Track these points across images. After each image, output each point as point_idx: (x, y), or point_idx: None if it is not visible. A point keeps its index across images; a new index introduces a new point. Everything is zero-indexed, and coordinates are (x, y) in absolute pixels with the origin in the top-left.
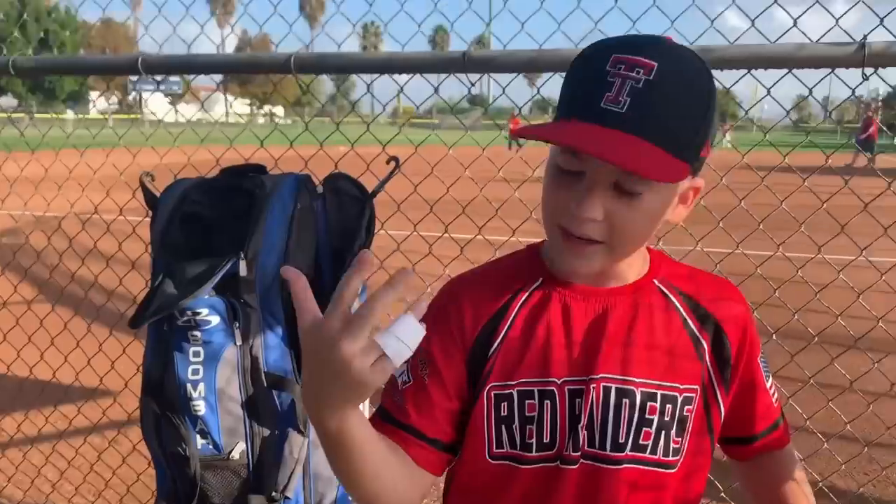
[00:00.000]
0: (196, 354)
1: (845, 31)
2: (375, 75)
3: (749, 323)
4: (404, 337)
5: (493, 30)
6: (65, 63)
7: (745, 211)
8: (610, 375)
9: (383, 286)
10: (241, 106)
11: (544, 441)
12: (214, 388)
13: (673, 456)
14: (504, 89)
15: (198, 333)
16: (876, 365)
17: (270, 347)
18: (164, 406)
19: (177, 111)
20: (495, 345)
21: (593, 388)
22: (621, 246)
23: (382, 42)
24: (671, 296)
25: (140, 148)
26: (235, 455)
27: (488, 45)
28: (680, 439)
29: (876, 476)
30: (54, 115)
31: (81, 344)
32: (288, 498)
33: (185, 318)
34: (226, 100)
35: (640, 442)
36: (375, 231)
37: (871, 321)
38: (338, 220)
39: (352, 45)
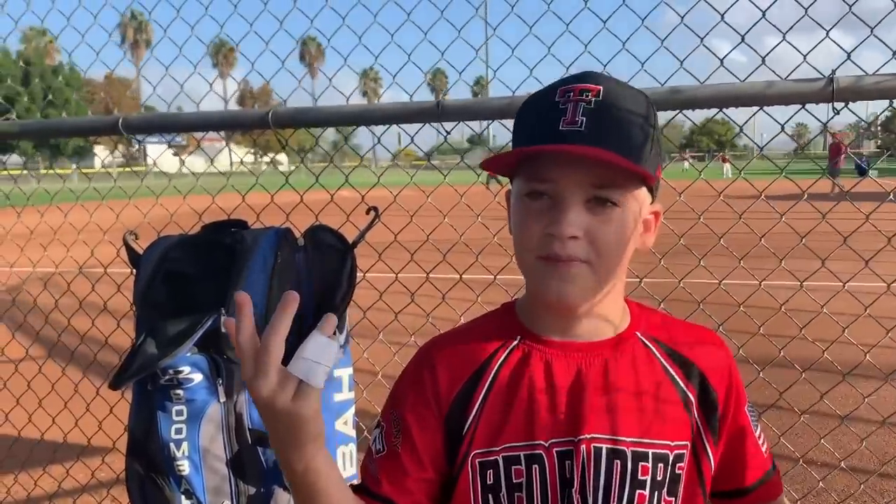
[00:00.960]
0: (179, 413)
1: (813, 67)
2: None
3: (734, 371)
4: (313, 355)
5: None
6: (48, 126)
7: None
8: (599, 435)
9: (274, 315)
10: (245, 155)
11: None
12: (199, 446)
13: None
14: (480, 133)
15: (181, 392)
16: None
17: (254, 404)
18: (148, 467)
19: (181, 162)
20: (475, 409)
21: (584, 448)
22: (602, 265)
23: (380, 86)
24: (654, 348)
25: (126, 202)
26: None
27: (486, 88)
28: (672, 499)
29: None
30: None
31: (69, 404)
32: None
33: (168, 377)
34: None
35: None
36: (358, 281)
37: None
38: (319, 272)
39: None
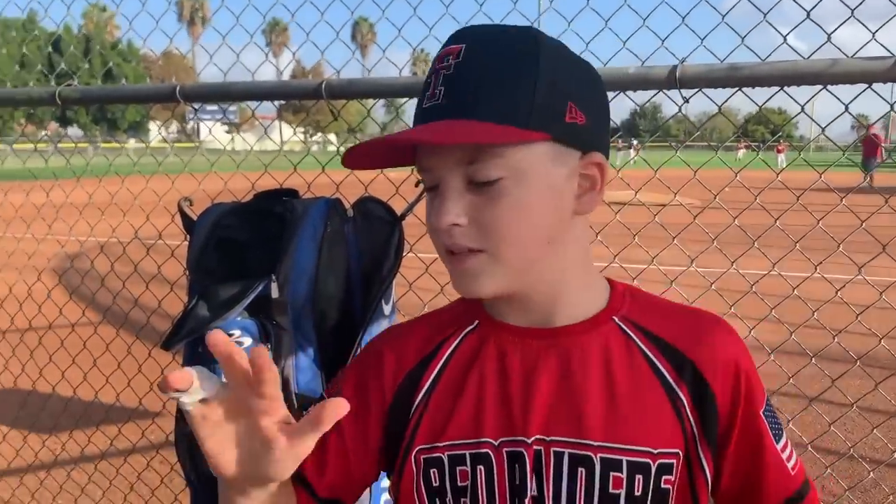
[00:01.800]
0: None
1: (883, 46)
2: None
3: (744, 367)
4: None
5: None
6: (109, 93)
7: (780, 230)
8: (559, 438)
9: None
10: (296, 136)
11: None
12: None
13: None
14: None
15: None
16: None
17: (302, 369)
18: None
19: (232, 140)
20: (419, 398)
21: (538, 451)
22: (502, 250)
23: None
24: (635, 337)
25: (178, 174)
26: None
27: None
28: None
29: None
30: (112, 145)
31: (122, 365)
32: None
33: None
34: (280, 128)
35: None
36: (405, 253)
37: None
38: (367, 243)
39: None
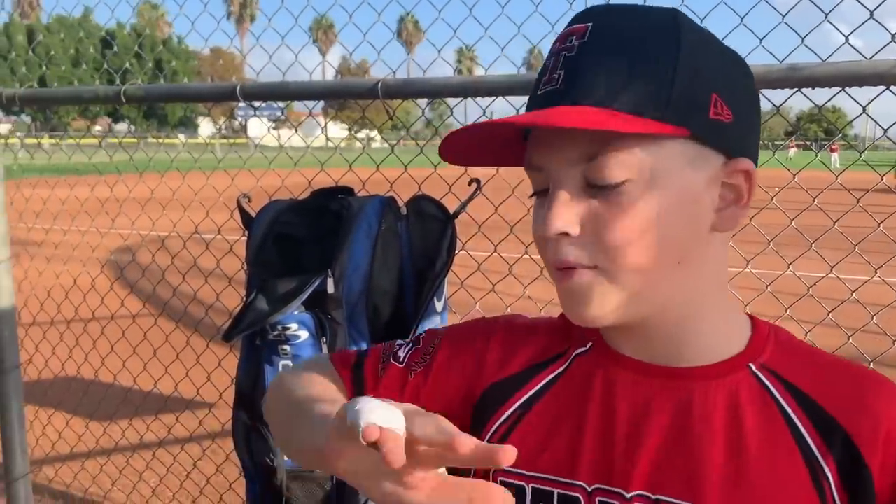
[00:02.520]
0: (286, 368)
1: None
2: (460, 99)
3: None
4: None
5: None
6: (171, 91)
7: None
8: (666, 498)
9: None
10: (339, 130)
11: None
12: None
13: None
14: None
15: (287, 347)
16: None
17: None
18: (254, 418)
19: (278, 136)
20: (510, 410)
21: None
22: (620, 268)
23: (477, 65)
24: (774, 390)
25: (238, 170)
26: None
27: None
28: None
29: None
30: (163, 140)
31: (181, 356)
32: None
33: (276, 333)
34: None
35: None
36: (457, 251)
37: None
38: (420, 241)
39: (447, 69)
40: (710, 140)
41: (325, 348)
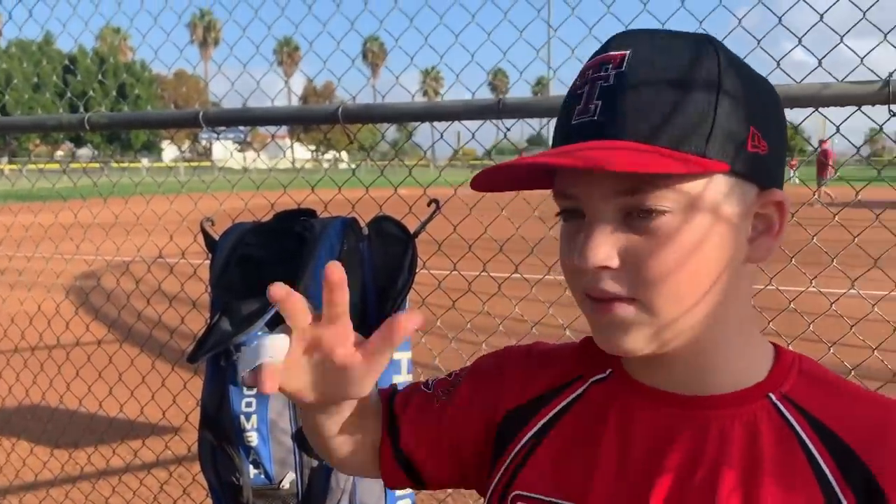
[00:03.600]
0: (250, 388)
1: (870, 70)
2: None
3: None
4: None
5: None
6: (135, 118)
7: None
8: None
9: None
10: (305, 151)
11: None
12: (267, 420)
13: None
14: (539, 131)
15: None
16: None
17: None
18: (219, 437)
19: (244, 158)
20: (529, 434)
21: None
22: (660, 301)
23: (441, 85)
24: (794, 422)
25: (202, 194)
26: (286, 484)
27: (547, 87)
28: None
29: None
30: (127, 165)
31: (147, 380)
32: None
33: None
34: (291, 147)
35: None
36: (417, 269)
37: None
38: (382, 260)
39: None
40: (748, 173)
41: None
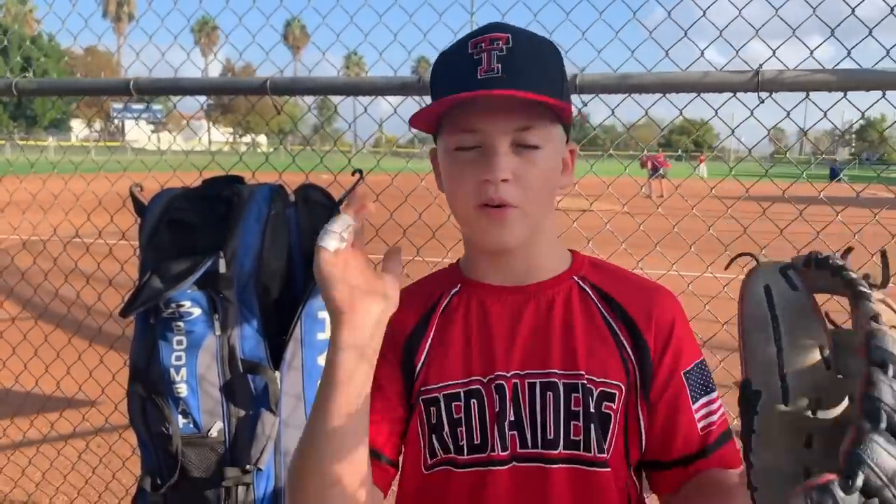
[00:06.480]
0: (179, 343)
1: (744, 61)
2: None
3: (677, 324)
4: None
5: None
6: (64, 85)
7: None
8: (533, 371)
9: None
10: (222, 135)
11: (475, 442)
12: (196, 372)
13: (600, 453)
14: None
15: (181, 324)
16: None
17: (246, 337)
18: (149, 389)
19: (158, 139)
20: (422, 351)
21: (517, 383)
22: (532, 207)
23: (366, 72)
24: (590, 293)
25: (120, 174)
26: (213, 433)
27: None
28: (602, 435)
29: None
30: (35, 143)
31: (62, 355)
32: (260, 470)
33: (170, 310)
34: (209, 129)
35: (572, 437)
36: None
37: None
38: (308, 226)
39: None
40: (566, 125)
41: (217, 325)
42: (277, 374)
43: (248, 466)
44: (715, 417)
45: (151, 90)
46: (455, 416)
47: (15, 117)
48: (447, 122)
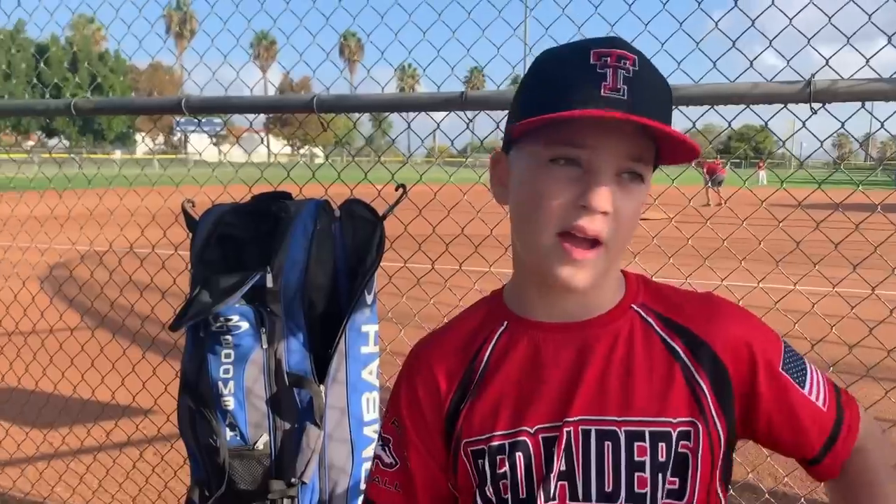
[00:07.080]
0: (227, 356)
1: (795, 71)
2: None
3: (753, 338)
4: None
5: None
6: (120, 104)
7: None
8: (588, 417)
9: None
10: (281, 146)
11: (520, 497)
12: (243, 386)
13: (677, 500)
14: (498, 125)
15: (229, 337)
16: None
17: (292, 351)
18: (198, 402)
19: (219, 151)
20: (466, 400)
21: (569, 432)
22: (619, 246)
23: (420, 84)
24: (652, 322)
25: (175, 188)
26: (260, 446)
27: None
28: (676, 479)
29: None
30: (104, 156)
31: (117, 366)
32: (305, 483)
33: (219, 324)
34: (266, 140)
35: (636, 490)
36: (385, 249)
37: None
38: (352, 240)
39: (391, 88)
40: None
41: (264, 339)
42: (322, 387)
43: (293, 480)
44: (823, 384)
45: (202, 108)
46: (498, 471)
47: (83, 132)
48: (547, 130)
